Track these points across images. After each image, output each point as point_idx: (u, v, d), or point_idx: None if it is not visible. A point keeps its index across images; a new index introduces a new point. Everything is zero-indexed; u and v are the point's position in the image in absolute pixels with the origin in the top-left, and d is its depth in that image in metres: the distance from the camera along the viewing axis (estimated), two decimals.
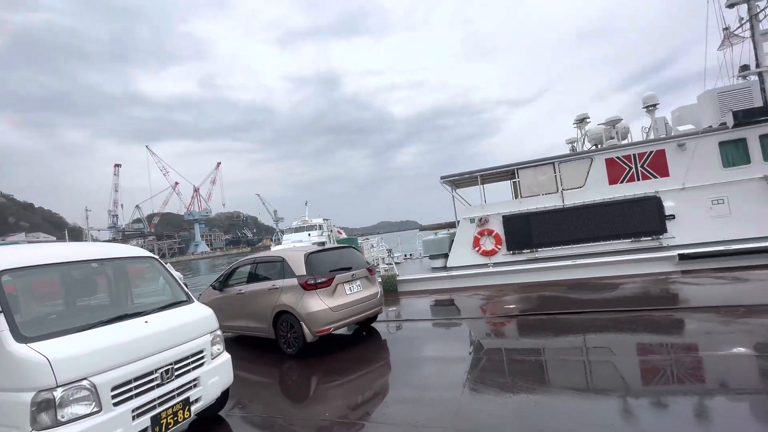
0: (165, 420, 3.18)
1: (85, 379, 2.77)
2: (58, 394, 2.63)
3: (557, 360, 4.84)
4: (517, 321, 6.73)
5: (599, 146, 12.16)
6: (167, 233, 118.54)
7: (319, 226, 34.96)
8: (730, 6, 11.04)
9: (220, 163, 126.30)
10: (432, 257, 12.14)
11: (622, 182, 10.51)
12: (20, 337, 2.77)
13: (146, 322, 3.42)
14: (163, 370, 3.26)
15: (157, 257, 4.48)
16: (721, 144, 9.73)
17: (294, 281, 6.05)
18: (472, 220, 11.50)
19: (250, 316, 6.67)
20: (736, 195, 9.54)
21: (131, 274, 4.34)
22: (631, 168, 10.47)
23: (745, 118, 9.51)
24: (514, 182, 12.09)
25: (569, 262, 9.81)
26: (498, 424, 3.38)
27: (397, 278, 11.05)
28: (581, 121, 13.42)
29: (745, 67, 11.00)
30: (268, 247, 36.89)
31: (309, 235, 32.82)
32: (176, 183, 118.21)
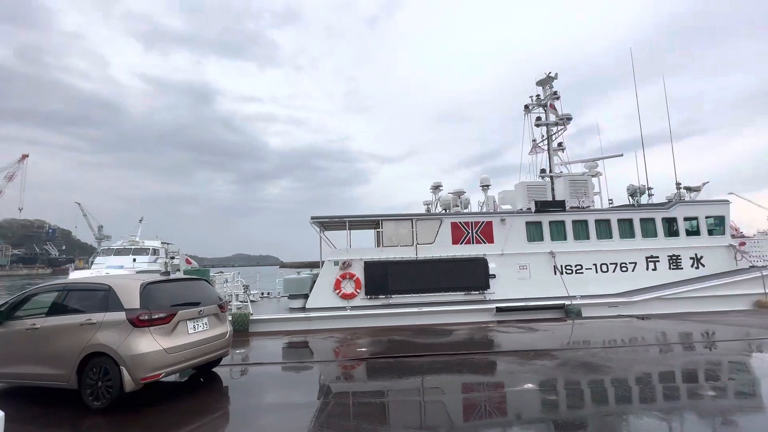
0: None
1: None
2: None
3: (399, 401, 5.27)
4: (367, 363, 7.08)
5: (447, 211, 14.41)
6: None
7: (154, 250, 27.38)
8: (537, 125, 15.15)
9: (26, 156, 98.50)
10: (292, 297, 11.86)
11: (461, 243, 12.58)
12: None
13: None
14: None
15: None
16: (527, 223, 12.80)
17: (121, 315, 5.04)
18: (336, 263, 11.86)
19: (44, 360, 5.17)
20: (534, 263, 12.50)
21: None
22: (468, 232, 12.68)
23: (542, 207, 12.84)
24: (378, 231, 13.14)
25: (417, 309, 10.99)
26: None
27: (251, 317, 10.34)
28: (436, 187, 15.81)
29: (543, 171, 15.00)
30: (81, 269, 27.45)
31: (134, 260, 25.31)
32: None
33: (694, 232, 13.04)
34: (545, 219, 12.80)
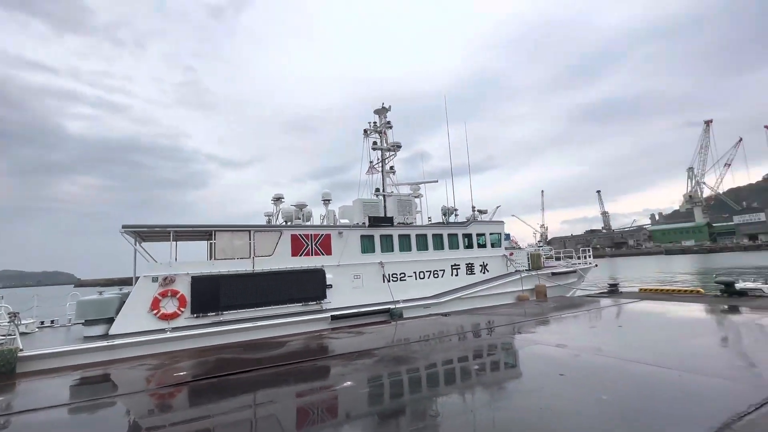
0: None
1: None
2: None
3: (228, 423, 5.00)
4: (189, 388, 6.45)
5: (288, 223, 14.47)
6: None
7: None
8: (373, 149, 16.93)
9: None
10: (88, 323, 9.69)
11: (301, 255, 12.81)
12: None
13: None
14: None
15: None
16: (362, 237, 14.04)
17: None
18: (154, 279, 10.34)
19: None
20: (367, 272, 13.76)
21: None
22: (308, 244, 13.04)
23: (375, 222, 14.32)
24: (211, 243, 12.10)
25: (250, 324, 10.56)
26: None
27: (19, 354, 7.98)
28: (277, 199, 15.69)
29: (377, 189, 16.78)
30: None
31: None
32: None
33: (482, 245, 16.79)
34: (377, 233, 14.31)
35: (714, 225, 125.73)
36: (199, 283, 10.82)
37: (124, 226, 10.50)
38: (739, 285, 12.31)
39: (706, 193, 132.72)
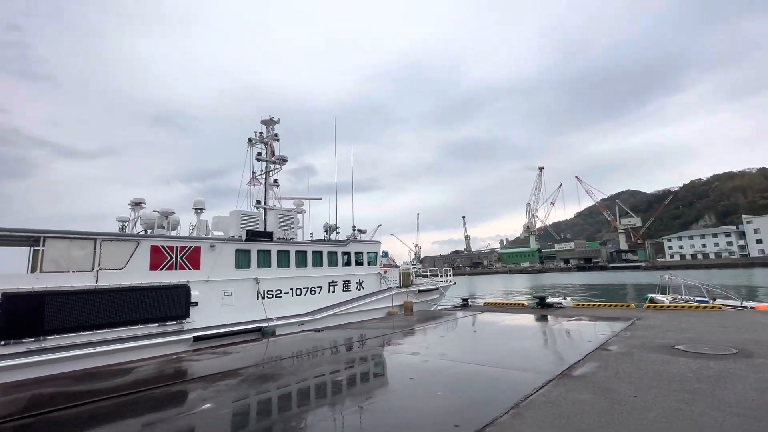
0: None
1: None
2: None
3: None
4: None
5: (149, 232, 12.80)
6: None
7: None
8: (258, 160, 16.41)
9: None
10: None
11: (162, 269, 11.45)
12: None
13: None
14: None
15: None
16: (237, 251, 13.33)
17: None
18: None
19: None
20: (239, 289, 13.05)
21: None
22: (172, 257, 11.75)
23: (252, 236, 13.78)
24: (36, 251, 9.87)
25: (87, 351, 8.92)
26: None
27: None
28: (137, 204, 13.76)
29: (258, 202, 16.22)
30: None
31: None
32: None
33: (360, 263, 17.66)
34: (254, 247, 13.77)
35: (542, 250, 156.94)
36: (14, 301, 8.68)
37: None
38: (549, 299, 15.86)
39: (539, 224, 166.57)
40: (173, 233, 13.46)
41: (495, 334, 10.84)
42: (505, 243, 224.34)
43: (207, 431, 4.87)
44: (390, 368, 7.60)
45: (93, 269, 10.15)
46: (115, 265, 10.59)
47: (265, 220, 15.56)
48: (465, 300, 18.92)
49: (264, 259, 14.02)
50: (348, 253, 17.14)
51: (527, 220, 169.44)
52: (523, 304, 17.46)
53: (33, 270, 10.07)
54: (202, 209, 14.41)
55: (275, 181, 17.04)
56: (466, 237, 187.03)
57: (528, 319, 13.14)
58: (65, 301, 9.38)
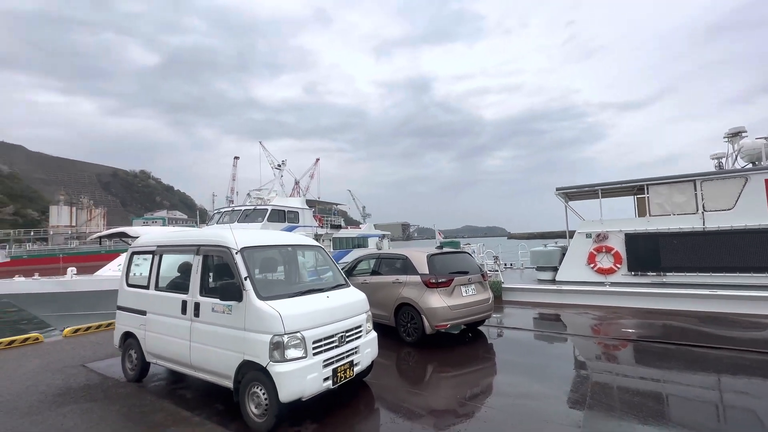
0: (339, 374, 4.21)
1: (299, 332, 3.91)
2: (284, 339, 3.80)
3: (681, 397, 4.61)
4: (635, 346, 6.55)
5: (756, 164, 10.50)
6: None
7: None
8: None
9: (318, 160, 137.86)
10: (539, 269, 11.98)
11: None
12: (260, 296, 4.04)
13: (327, 297, 4.53)
14: (340, 335, 4.33)
15: (323, 246, 5.65)
16: None
17: (417, 278, 6.86)
18: (588, 235, 11.03)
19: (374, 305, 7.66)
20: None
21: (305, 256, 5.62)
22: None
23: None
24: (639, 198, 11.17)
25: (705, 291, 8.86)
26: None
27: (503, 286, 11.24)
28: (735, 135, 11.67)
29: None
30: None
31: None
32: (281, 175, 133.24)
33: None
34: None
35: None
36: (634, 240, 10.37)
37: (557, 189, 11.90)
38: None
39: None
40: None
41: None
42: None
43: None
44: None
45: (697, 211, 9.87)
46: (722, 206, 9.63)
47: None
48: None
49: None
50: None
51: None
52: None
53: (640, 214, 11.45)
54: None
55: None
56: None
57: None
58: (677, 241, 9.83)
